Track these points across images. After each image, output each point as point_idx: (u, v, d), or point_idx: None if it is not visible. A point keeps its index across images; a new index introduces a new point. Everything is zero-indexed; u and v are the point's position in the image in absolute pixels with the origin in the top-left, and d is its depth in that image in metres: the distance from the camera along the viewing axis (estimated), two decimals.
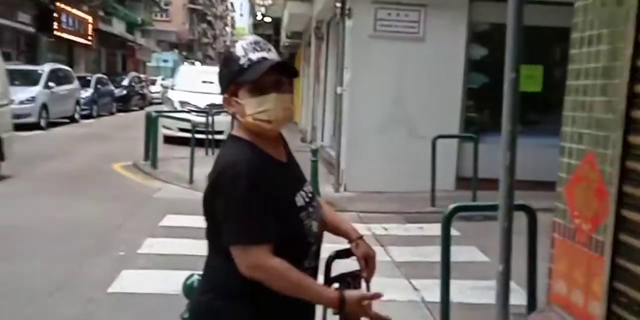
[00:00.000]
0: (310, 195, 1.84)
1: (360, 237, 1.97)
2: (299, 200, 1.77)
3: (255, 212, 1.66)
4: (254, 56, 1.71)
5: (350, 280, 1.91)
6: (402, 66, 8.57)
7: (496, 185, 9.21)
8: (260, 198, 1.66)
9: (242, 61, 1.71)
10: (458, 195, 8.28)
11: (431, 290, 4.77)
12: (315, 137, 12.87)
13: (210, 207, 1.72)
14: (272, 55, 1.75)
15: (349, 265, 1.96)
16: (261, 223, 1.67)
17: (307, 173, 2.02)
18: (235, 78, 1.73)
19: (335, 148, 9.12)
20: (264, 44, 1.76)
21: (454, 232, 7.01)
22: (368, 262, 1.94)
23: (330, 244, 2.03)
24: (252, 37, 1.80)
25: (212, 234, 1.76)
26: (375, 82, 8.58)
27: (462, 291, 4.58)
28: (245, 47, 1.73)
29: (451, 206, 3.69)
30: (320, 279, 1.89)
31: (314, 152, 7.65)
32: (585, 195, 3.03)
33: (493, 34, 9.84)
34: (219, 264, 1.74)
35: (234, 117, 1.82)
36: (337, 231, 2.00)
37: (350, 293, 1.74)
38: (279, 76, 1.75)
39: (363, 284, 1.92)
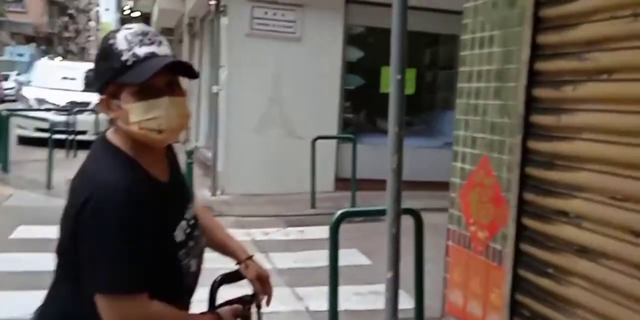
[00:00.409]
0: (192, 222, 1.54)
1: (250, 257, 1.74)
2: (179, 235, 1.47)
3: (132, 254, 1.34)
4: (141, 51, 1.38)
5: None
6: (279, 66, 8.43)
7: (374, 186, 9.25)
8: (139, 236, 1.35)
9: (126, 57, 1.37)
10: (337, 196, 8.27)
11: (316, 299, 4.60)
12: (190, 138, 12.35)
13: (71, 229, 1.36)
14: (164, 49, 1.43)
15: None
16: (138, 268, 1.36)
17: None
18: (116, 77, 1.38)
19: (212, 149, 8.75)
20: (153, 35, 1.42)
21: None
22: (263, 284, 1.71)
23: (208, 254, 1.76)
24: (139, 27, 1.44)
25: (65, 255, 1.41)
26: (253, 81, 8.36)
27: (347, 298, 4.46)
28: (130, 39, 1.39)
29: (339, 212, 3.56)
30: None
31: (189, 154, 7.23)
32: (481, 201, 2.94)
33: (368, 37, 9.97)
34: (68, 291, 1.42)
35: (111, 122, 1.47)
36: (223, 250, 1.75)
37: (223, 309, 1.60)
38: (173, 76, 1.42)
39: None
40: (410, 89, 9.38)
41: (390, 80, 2.55)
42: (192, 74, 1.46)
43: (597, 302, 2.23)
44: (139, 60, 1.37)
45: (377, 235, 6.42)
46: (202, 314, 1.57)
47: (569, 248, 2.37)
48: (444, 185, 9.12)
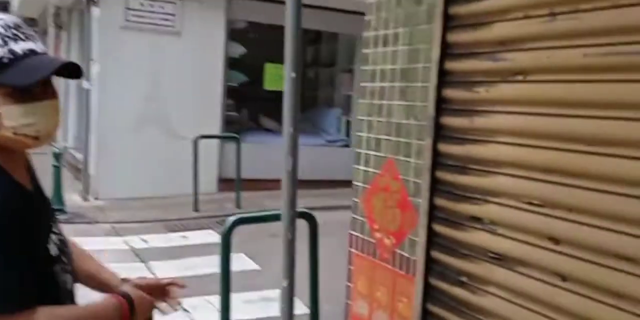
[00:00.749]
0: (61, 237, 1.38)
1: (125, 279, 1.58)
2: (53, 249, 1.32)
3: (13, 268, 1.20)
4: (18, 47, 1.23)
5: None
6: (157, 61, 8.00)
7: (259, 186, 8.98)
8: (16, 248, 1.21)
9: (0, 53, 1.22)
10: (221, 197, 8.01)
11: (203, 310, 4.37)
12: (56, 138, 11.45)
13: None
14: (40, 45, 1.30)
15: None
16: (24, 280, 1.22)
17: (48, 181, 1.50)
18: None
19: (83, 150, 8.11)
20: (26, 28, 1.26)
21: (217, 239, 6.61)
22: (160, 280, 1.62)
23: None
24: (9, 18, 1.27)
25: None
26: (128, 77, 7.85)
27: (237, 306, 4.25)
28: (3, 33, 1.23)
29: (232, 219, 3.41)
30: None
31: (57, 156, 6.63)
32: (387, 206, 2.81)
33: (251, 32, 9.75)
34: None
35: None
36: (93, 282, 1.57)
37: (125, 286, 1.50)
38: (49, 75, 1.28)
39: None
40: None
41: (284, 78, 2.42)
42: (78, 74, 1.35)
43: (513, 311, 2.16)
44: (18, 58, 1.23)
45: (265, 237, 6.19)
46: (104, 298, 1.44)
47: (483, 255, 2.29)
48: (328, 184, 9.05)
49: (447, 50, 2.46)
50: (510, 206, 2.18)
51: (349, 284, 3.07)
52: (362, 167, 3.02)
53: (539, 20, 2.08)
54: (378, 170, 2.89)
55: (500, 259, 2.22)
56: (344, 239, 3.44)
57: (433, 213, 2.50)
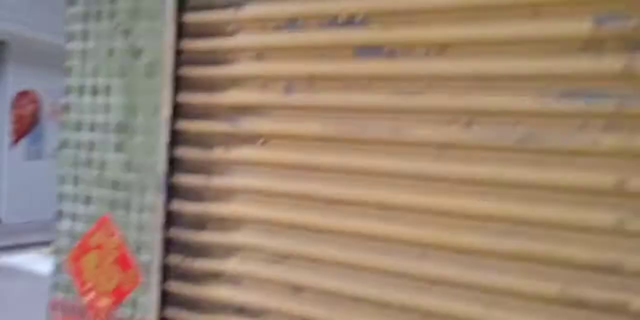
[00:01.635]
0: None
1: None
2: None
3: None
4: None
5: None
6: None
7: None
8: None
9: None
10: None
11: None
12: None
13: None
14: None
15: None
16: None
17: None
18: None
19: None
20: None
21: None
22: None
23: None
24: None
25: None
26: None
27: None
28: None
29: None
30: None
31: None
32: (101, 265, 2.65)
33: None
34: None
35: None
36: None
37: None
38: None
39: None
40: None
41: None
42: None
43: None
44: None
45: None
46: None
47: (225, 309, 2.38)
48: None
49: (178, 110, 2.51)
50: (254, 259, 2.35)
51: None
52: (66, 225, 2.77)
53: (275, 91, 2.32)
54: (89, 227, 2.71)
55: (242, 310, 2.36)
56: None
57: (166, 271, 2.49)
